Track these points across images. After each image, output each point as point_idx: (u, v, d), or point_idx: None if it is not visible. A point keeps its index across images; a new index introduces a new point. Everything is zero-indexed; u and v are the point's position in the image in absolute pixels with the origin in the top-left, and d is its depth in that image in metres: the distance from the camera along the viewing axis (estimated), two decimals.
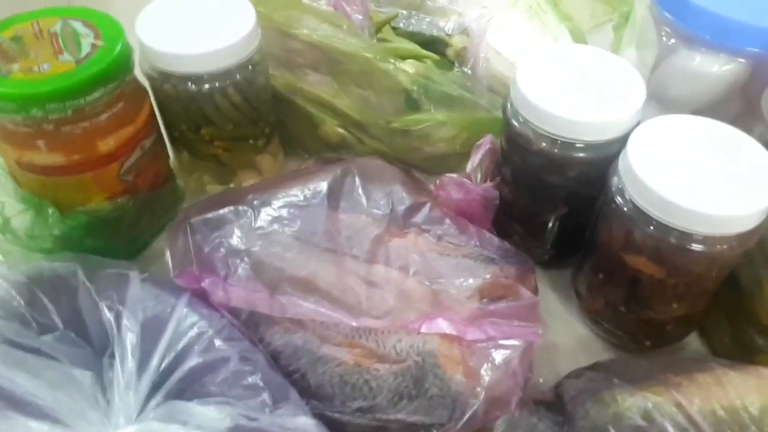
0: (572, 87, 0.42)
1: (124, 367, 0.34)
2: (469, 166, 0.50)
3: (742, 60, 0.45)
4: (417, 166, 0.56)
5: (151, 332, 0.37)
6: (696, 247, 0.37)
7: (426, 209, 0.47)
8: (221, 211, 0.43)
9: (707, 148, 0.39)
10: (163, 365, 0.35)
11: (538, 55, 0.45)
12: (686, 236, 0.37)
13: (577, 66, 0.44)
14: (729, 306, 0.44)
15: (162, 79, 0.46)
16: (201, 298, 0.40)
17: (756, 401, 0.35)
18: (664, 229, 0.37)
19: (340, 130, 0.55)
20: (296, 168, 0.56)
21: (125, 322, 0.36)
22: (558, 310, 0.49)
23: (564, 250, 0.50)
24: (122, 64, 0.42)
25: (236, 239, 0.42)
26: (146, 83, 0.47)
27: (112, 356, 0.35)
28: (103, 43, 0.42)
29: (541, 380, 0.44)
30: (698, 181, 0.37)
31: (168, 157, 0.51)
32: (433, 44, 0.60)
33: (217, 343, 0.37)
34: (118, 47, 0.42)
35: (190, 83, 0.46)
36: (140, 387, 0.33)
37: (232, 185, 0.55)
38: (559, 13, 0.62)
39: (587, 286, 0.46)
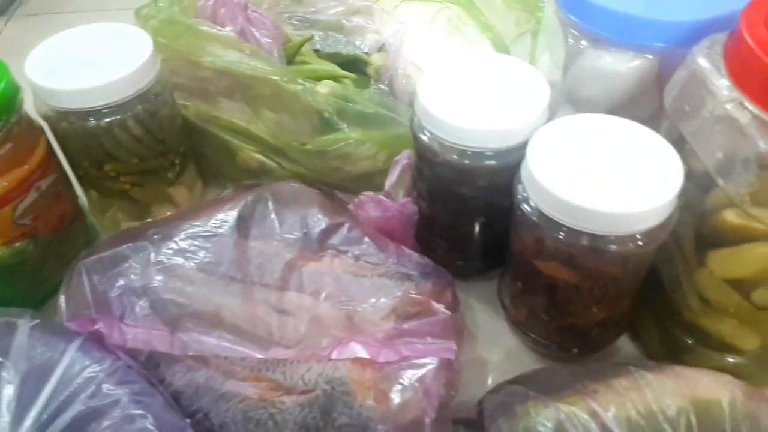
0: (474, 96, 0.41)
1: None
2: (388, 183, 0.49)
3: (649, 56, 0.44)
4: (341, 186, 0.54)
5: (35, 382, 0.34)
6: (606, 248, 0.36)
7: (344, 230, 0.46)
8: (117, 249, 0.41)
9: (610, 146, 0.38)
10: (44, 416, 0.33)
11: (440, 67, 0.44)
12: (595, 238, 0.36)
13: (480, 74, 0.43)
14: (655, 306, 0.43)
15: (57, 117, 0.45)
16: (98, 341, 0.38)
17: (673, 403, 0.33)
18: (572, 233, 0.36)
19: (258, 157, 0.54)
20: (215, 198, 0.55)
21: (4, 374, 0.34)
22: (487, 323, 0.48)
23: (489, 262, 0.49)
24: (4, 106, 0.40)
25: (133, 276, 0.40)
26: (43, 123, 0.46)
27: None
28: None
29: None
30: (601, 181, 0.36)
31: (75, 196, 0.50)
32: (355, 63, 0.59)
33: (106, 387, 0.34)
34: (0, 88, 0.40)
35: (86, 119, 0.44)
36: None
37: (149, 220, 0.53)
38: (481, 25, 0.61)
39: (510, 297, 0.45)
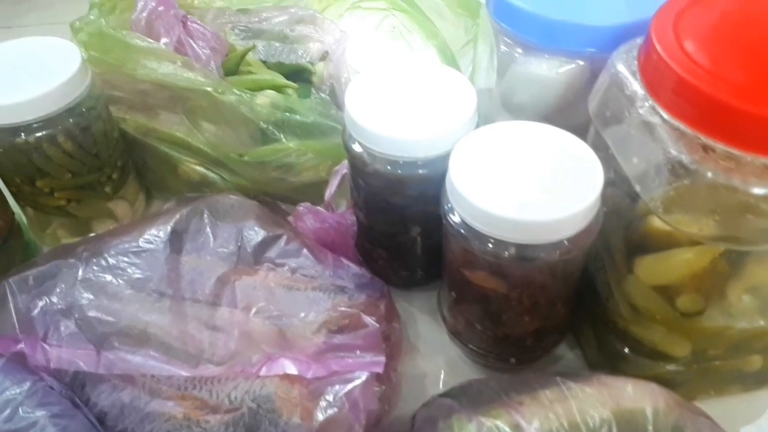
0: (402, 104, 0.41)
1: None
2: (327, 193, 0.49)
3: (580, 61, 0.44)
4: (286, 197, 0.54)
5: None
6: (531, 257, 0.35)
7: (282, 242, 0.45)
8: (42, 267, 0.40)
9: (533, 154, 0.38)
10: None
11: (368, 75, 0.44)
12: (520, 248, 0.35)
13: (408, 83, 0.43)
14: (591, 314, 0.43)
15: None
16: (21, 362, 0.38)
17: (596, 414, 0.33)
18: (496, 243, 0.36)
19: (199, 169, 0.53)
20: (158, 211, 0.54)
21: None
22: (428, 333, 0.47)
23: (431, 271, 0.48)
24: None
25: (58, 295, 0.39)
26: None
27: None
28: None
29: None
30: (523, 190, 0.35)
31: (10, 213, 0.49)
32: (301, 73, 0.59)
33: (24, 409, 0.34)
34: None
35: (15, 134, 0.44)
36: None
37: (92, 236, 0.52)
38: (426, 32, 0.61)
39: (447, 307, 0.44)
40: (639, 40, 0.37)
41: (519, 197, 0.35)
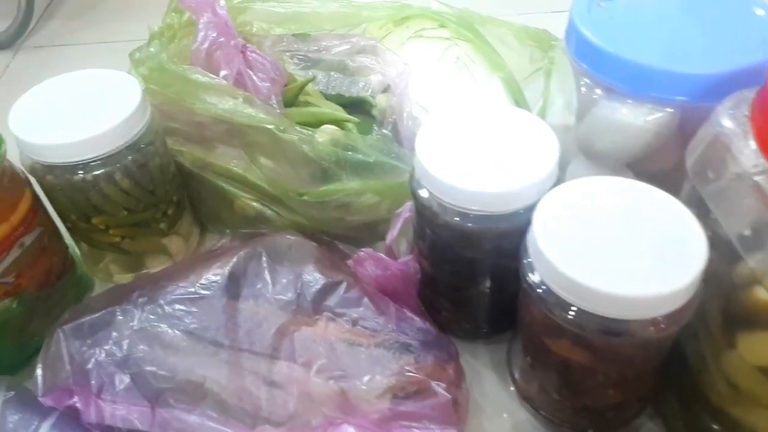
0: (477, 152, 0.38)
1: None
2: (389, 237, 0.46)
3: (669, 109, 0.41)
4: (343, 236, 0.52)
5: None
6: (620, 332, 0.32)
7: (341, 289, 0.43)
8: (97, 315, 0.39)
9: (626, 216, 0.34)
10: None
11: (440, 118, 0.41)
12: (607, 321, 0.32)
13: (485, 127, 0.40)
14: (679, 385, 0.39)
15: (43, 171, 0.43)
16: (75, 416, 0.36)
17: None
18: (581, 314, 0.33)
19: (256, 205, 0.51)
20: (212, 246, 0.52)
21: None
22: (494, 391, 0.44)
23: (498, 325, 0.46)
24: None
25: (113, 346, 0.38)
26: (29, 175, 0.44)
27: None
28: None
29: None
30: (617, 257, 0.32)
31: (65, 248, 0.48)
32: (361, 105, 0.56)
33: None
34: None
35: (73, 172, 0.42)
36: None
37: (144, 271, 0.51)
38: (491, 63, 0.58)
39: (519, 370, 0.41)
40: (748, 93, 0.34)
41: (610, 265, 0.32)
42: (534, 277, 0.35)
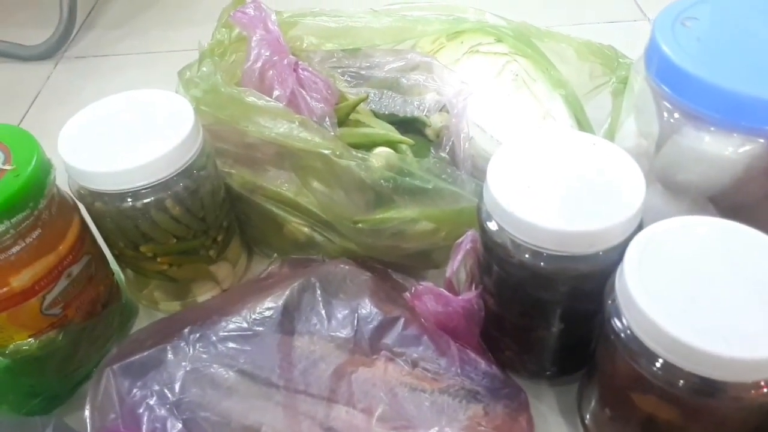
0: (555, 186, 0.36)
1: None
2: (449, 270, 0.44)
3: (761, 140, 0.37)
4: (396, 264, 0.49)
5: None
6: (720, 395, 0.29)
7: (399, 326, 0.41)
8: (146, 353, 0.37)
9: (726, 261, 0.31)
10: None
11: (513, 146, 0.38)
12: (704, 381, 0.29)
13: (561, 157, 0.37)
14: None
15: (92, 198, 0.41)
16: None
17: None
18: (673, 369, 0.30)
19: (306, 230, 0.49)
20: (260, 271, 0.50)
21: None
22: None
23: (567, 367, 0.43)
24: (33, 191, 0.37)
25: (165, 388, 0.36)
26: (76, 200, 0.43)
27: None
28: (13, 166, 0.37)
29: None
30: (716, 309, 0.29)
31: (111, 275, 0.46)
32: (413, 123, 0.54)
33: None
34: (29, 171, 0.37)
35: (122, 200, 0.41)
36: None
37: (190, 298, 0.49)
38: (552, 80, 0.55)
39: (594, 420, 0.38)
40: None
41: (707, 317, 0.29)
42: (619, 323, 0.32)
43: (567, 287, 0.36)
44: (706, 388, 0.29)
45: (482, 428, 0.35)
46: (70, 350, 0.42)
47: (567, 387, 0.43)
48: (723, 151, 0.38)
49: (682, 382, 0.30)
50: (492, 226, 0.37)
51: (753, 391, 0.29)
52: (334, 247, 0.50)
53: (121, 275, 0.48)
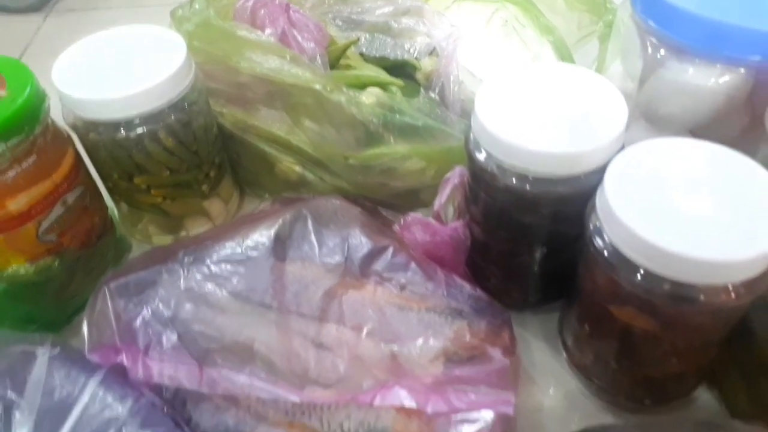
0: (540, 112, 0.37)
1: None
2: (437, 203, 0.45)
3: (742, 70, 0.38)
4: (385, 202, 0.50)
5: (51, 422, 0.32)
6: (694, 299, 0.31)
7: (388, 254, 0.42)
8: (143, 273, 0.38)
9: (703, 178, 0.33)
10: None
11: (501, 77, 0.39)
12: (680, 287, 0.31)
13: (547, 87, 0.39)
14: (743, 357, 0.38)
15: (86, 128, 0.42)
16: (121, 373, 0.35)
17: None
18: (653, 278, 0.31)
19: (298, 169, 0.50)
20: (252, 210, 0.51)
21: (17, 414, 0.31)
22: (545, 362, 0.43)
23: (549, 294, 0.44)
24: (27, 116, 0.37)
25: (160, 304, 0.37)
26: (70, 131, 0.43)
27: None
28: (7, 93, 0.37)
29: None
30: (692, 219, 0.31)
31: (105, 209, 0.47)
32: (403, 68, 0.55)
33: (128, 430, 0.31)
34: (23, 97, 0.37)
35: (116, 130, 0.41)
36: None
37: (183, 233, 0.50)
38: (540, 27, 0.56)
39: (573, 338, 0.40)
40: None
41: (684, 227, 0.30)
42: (601, 241, 0.33)
43: (550, 211, 0.37)
44: (682, 294, 0.31)
45: (467, 339, 0.36)
46: (65, 278, 0.43)
47: (549, 315, 0.44)
48: (705, 82, 0.39)
49: (661, 289, 0.31)
50: (480, 155, 0.38)
51: (723, 296, 0.30)
52: (326, 186, 0.51)
53: (115, 211, 0.49)
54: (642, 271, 0.31)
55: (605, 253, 0.33)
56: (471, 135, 0.39)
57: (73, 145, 0.43)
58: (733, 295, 0.30)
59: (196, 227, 0.49)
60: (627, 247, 0.31)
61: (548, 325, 0.44)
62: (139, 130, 0.41)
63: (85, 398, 0.33)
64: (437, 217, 0.45)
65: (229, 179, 0.51)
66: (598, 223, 0.33)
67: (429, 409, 0.34)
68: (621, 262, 0.32)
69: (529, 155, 0.35)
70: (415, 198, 0.52)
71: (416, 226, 0.44)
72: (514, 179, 0.36)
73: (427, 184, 0.50)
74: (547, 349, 0.44)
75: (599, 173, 0.34)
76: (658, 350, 0.35)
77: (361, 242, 0.42)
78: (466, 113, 0.52)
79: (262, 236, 0.41)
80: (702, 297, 0.31)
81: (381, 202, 0.51)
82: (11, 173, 0.37)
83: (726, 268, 0.30)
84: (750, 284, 0.30)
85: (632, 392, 0.38)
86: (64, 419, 0.32)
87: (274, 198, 0.51)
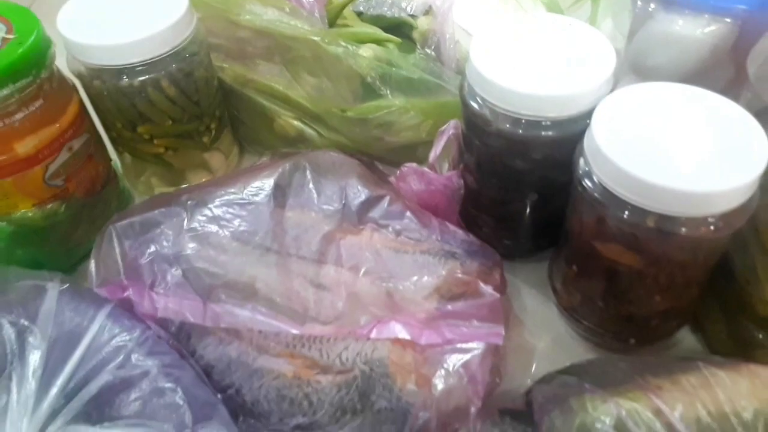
0: (532, 59, 0.38)
1: (21, 391, 0.30)
2: (432, 154, 0.46)
3: (728, 20, 0.40)
4: (381, 158, 0.52)
5: (62, 349, 0.33)
6: (675, 231, 0.32)
7: (384, 203, 0.43)
8: (149, 214, 0.39)
9: (684, 118, 0.34)
10: (71, 386, 0.31)
11: (495, 27, 0.40)
12: (663, 219, 0.32)
13: (538, 37, 0.40)
14: (723, 297, 0.39)
15: (90, 75, 0.43)
16: (128, 309, 0.37)
17: (749, 405, 0.30)
18: (639, 212, 0.32)
19: (296, 123, 0.51)
20: (253, 164, 0.52)
21: (30, 339, 0.32)
22: (534, 307, 0.45)
23: (540, 242, 0.46)
24: (34, 59, 0.38)
25: (165, 243, 0.38)
26: (76, 81, 0.44)
27: (10, 378, 0.31)
28: (15, 36, 0.38)
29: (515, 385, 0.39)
30: (675, 156, 0.32)
31: (108, 159, 0.48)
32: (399, 28, 0.56)
33: (136, 357, 0.33)
34: (30, 41, 0.38)
35: (119, 77, 0.42)
36: (38, 412, 0.30)
37: (185, 186, 0.51)
38: None
39: (562, 280, 0.41)
40: None
41: (668, 163, 0.32)
42: (589, 181, 0.34)
43: (541, 155, 0.39)
44: (666, 227, 0.32)
45: (459, 276, 0.38)
46: (71, 225, 0.45)
47: (540, 264, 0.46)
48: (692, 32, 0.40)
49: (645, 223, 0.32)
50: (474, 101, 0.39)
51: (703, 228, 0.32)
52: (324, 141, 0.52)
53: (119, 164, 0.50)
54: (629, 206, 0.33)
55: (593, 192, 0.34)
56: (465, 83, 0.40)
57: (78, 93, 0.44)
58: (712, 227, 0.32)
59: (198, 180, 0.50)
60: (613, 182, 0.33)
61: (539, 273, 0.46)
62: (142, 78, 0.42)
63: (94, 328, 0.34)
64: (432, 168, 0.46)
65: (230, 134, 0.52)
66: (586, 164, 0.35)
67: (423, 341, 0.36)
68: (608, 199, 0.33)
69: (521, 98, 0.36)
70: (411, 154, 0.53)
71: (412, 175, 0.45)
72: (507, 124, 0.38)
73: (423, 140, 0.51)
74: (538, 296, 0.45)
75: (588, 118, 0.36)
76: (642, 287, 0.36)
77: (358, 191, 0.43)
78: (462, 72, 0.53)
79: (262, 183, 0.42)
80: (684, 230, 0.32)
81: (378, 158, 0.52)
82: (19, 116, 0.39)
83: (706, 200, 0.31)
84: (727, 217, 0.32)
85: (618, 332, 0.40)
86: (75, 346, 0.33)
87: (274, 152, 0.53)
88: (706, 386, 0.31)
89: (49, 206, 0.42)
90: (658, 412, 0.30)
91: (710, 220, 0.32)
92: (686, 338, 0.42)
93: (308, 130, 0.51)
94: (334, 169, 0.45)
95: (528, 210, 0.43)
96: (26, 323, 0.33)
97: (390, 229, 0.42)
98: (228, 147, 0.52)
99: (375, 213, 0.43)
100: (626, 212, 0.33)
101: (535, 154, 0.39)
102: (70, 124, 0.42)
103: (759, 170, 0.31)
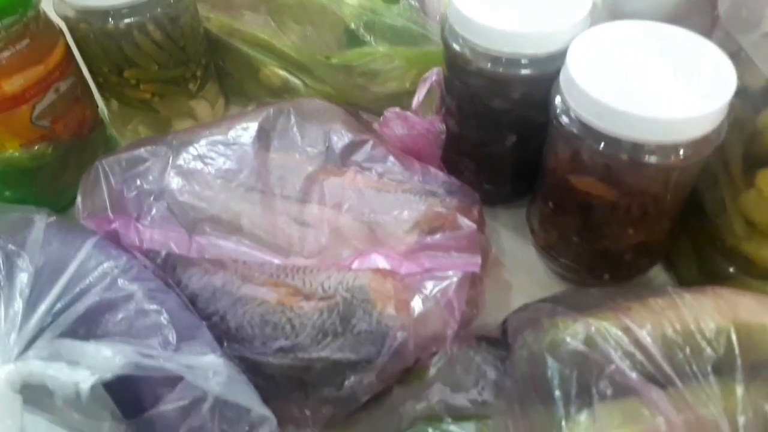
0: (511, 0, 0.39)
1: (9, 308, 0.31)
2: (415, 101, 0.47)
3: None
4: (366, 107, 0.52)
5: (50, 273, 0.34)
6: (648, 159, 0.33)
7: (368, 147, 0.44)
8: (135, 151, 0.40)
9: (657, 53, 0.35)
10: (57, 306, 0.32)
11: None
12: (637, 147, 0.33)
13: None
14: (694, 232, 0.41)
15: (77, 18, 0.43)
16: (114, 241, 0.38)
17: (712, 322, 0.31)
18: (612, 142, 0.33)
19: (282, 73, 0.52)
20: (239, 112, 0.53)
21: (19, 262, 0.33)
22: (513, 248, 0.46)
23: (519, 187, 0.47)
24: None
25: (151, 178, 0.39)
26: (62, 25, 0.44)
27: None
28: None
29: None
30: (648, 87, 0.33)
31: (95, 104, 0.48)
32: None
33: (121, 281, 0.34)
34: None
35: (105, 20, 0.43)
36: (26, 328, 0.31)
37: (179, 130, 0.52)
38: None
39: (539, 219, 0.43)
40: None
41: (640, 92, 0.33)
42: (565, 116, 0.35)
43: (519, 94, 0.40)
44: (639, 153, 0.33)
45: (438, 210, 0.39)
46: (58, 167, 0.45)
47: (519, 210, 0.47)
48: None
49: (619, 152, 0.33)
50: (455, 43, 0.40)
51: (673, 156, 0.33)
52: (309, 91, 0.52)
53: (106, 111, 0.51)
54: (603, 137, 0.34)
55: (569, 126, 0.35)
56: (447, 24, 0.41)
57: (64, 36, 0.44)
58: (681, 155, 0.33)
59: (184, 127, 0.51)
60: (587, 113, 0.34)
61: (518, 218, 0.47)
62: (128, 20, 0.43)
63: (81, 256, 0.35)
64: (415, 114, 0.47)
65: (216, 85, 0.53)
66: (562, 101, 0.36)
67: (402, 271, 0.37)
68: (583, 132, 0.34)
69: (501, 36, 0.37)
70: (395, 104, 0.53)
71: (395, 120, 0.46)
72: (487, 62, 0.39)
73: (406, 90, 0.52)
74: (517, 239, 0.46)
75: (563, 56, 0.37)
76: (616, 220, 0.37)
77: (341, 135, 0.44)
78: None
79: (247, 126, 0.43)
80: (655, 158, 0.33)
81: (364, 109, 0.53)
82: (6, 53, 0.39)
83: (676, 126, 0.32)
84: (696, 144, 0.33)
85: (593, 267, 0.41)
86: (61, 271, 0.34)
87: (259, 102, 0.53)
88: (673, 306, 0.32)
89: (36, 147, 0.43)
90: (626, 330, 0.31)
91: (679, 148, 0.33)
92: (659, 276, 0.43)
93: (293, 80, 0.52)
94: (318, 114, 0.46)
95: (507, 153, 0.44)
96: (13, 247, 0.34)
97: (373, 171, 0.43)
98: (214, 97, 0.53)
99: (358, 156, 0.43)
100: (602, 144, 0.34)
101: (514, 93, 0.40)
102: (57, 65, 0.42)
103: (726, 99, 0.33)
